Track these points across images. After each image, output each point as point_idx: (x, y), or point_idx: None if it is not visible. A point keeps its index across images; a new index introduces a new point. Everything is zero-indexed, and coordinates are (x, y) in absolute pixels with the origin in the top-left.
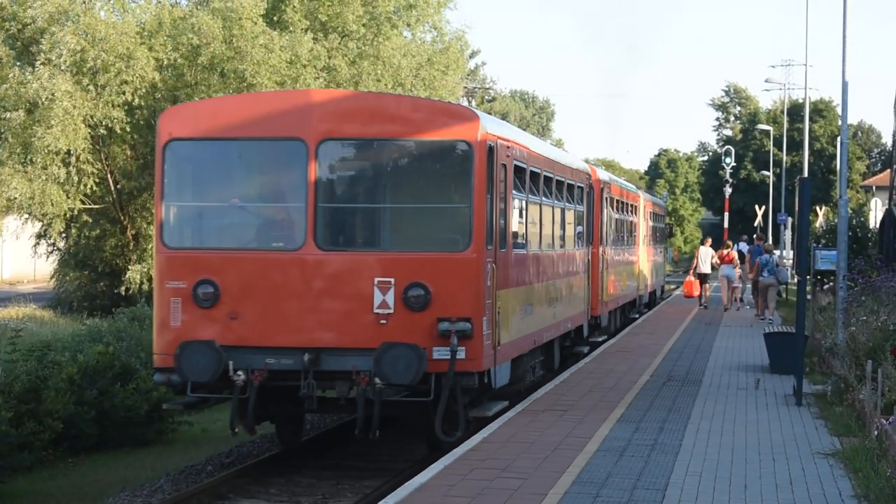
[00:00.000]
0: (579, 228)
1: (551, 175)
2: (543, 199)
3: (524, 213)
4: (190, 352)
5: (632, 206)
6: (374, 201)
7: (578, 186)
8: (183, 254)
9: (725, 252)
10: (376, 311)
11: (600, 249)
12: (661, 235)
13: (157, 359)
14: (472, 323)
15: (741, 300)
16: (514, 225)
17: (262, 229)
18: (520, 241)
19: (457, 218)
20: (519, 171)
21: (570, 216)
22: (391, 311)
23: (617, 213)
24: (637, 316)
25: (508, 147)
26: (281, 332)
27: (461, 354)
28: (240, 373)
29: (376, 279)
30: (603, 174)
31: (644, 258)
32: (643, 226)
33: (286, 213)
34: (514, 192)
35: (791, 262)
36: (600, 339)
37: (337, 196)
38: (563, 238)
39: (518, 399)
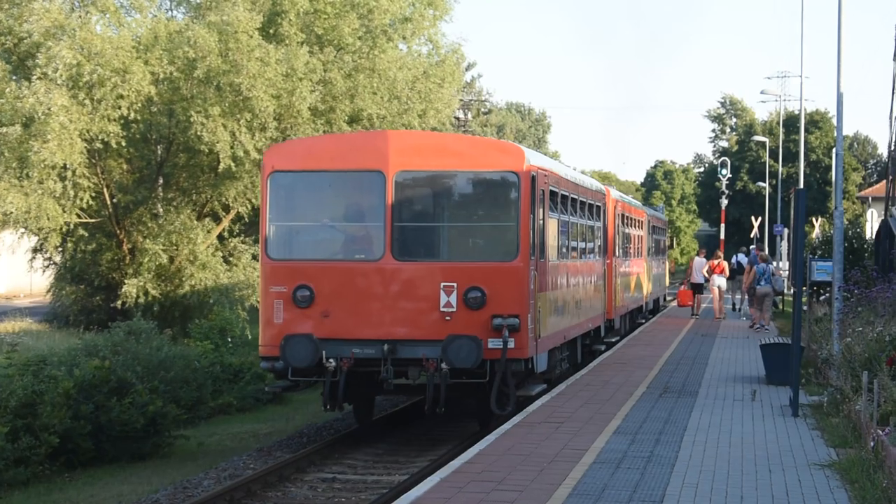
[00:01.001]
0: (597, 242)
1: (576, 197)
2: (571, 217)
3: (557, 229)
4: (292, 343)
5: (638, 221)
6: (440, 220)
7: (596, 206)
8: (284, 264)
9: (716, 262)
10: (442, 309)
11: (613, 260)
12: (664, 248)
13: (262, 349)
14: (519, 319)
15: (739, 310)
16: (550, 239)
17: (348, 244)
18: (554, 252)
19: (507, 234)
20: (553, 194)
21: (590, 231)
22: (454, 309)
23: (626, 228)
24: (643, 321)
25: (546, 175)
26: (364, 327)
27: (511, 344)
28: (331, 360)
29: (442, 284)
30: (615, 193)
31: (649, 269)
32: (648, 239)
33: (368, 231)
34: (549, 212)
35: (787, 272)
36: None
37: (409, 216)
38: (585, 250)
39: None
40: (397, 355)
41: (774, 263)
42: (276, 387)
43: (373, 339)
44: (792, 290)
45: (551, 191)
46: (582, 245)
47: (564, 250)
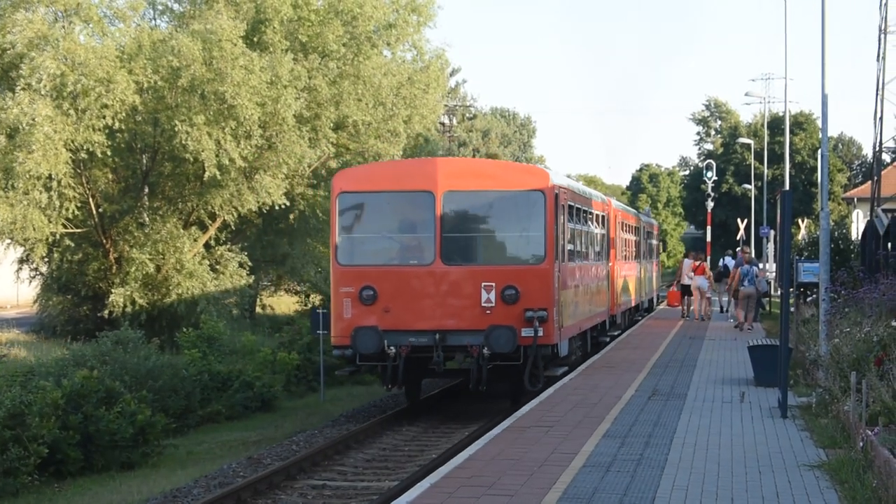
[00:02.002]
0: (602, 247)
1: (587, 209)
2: (583, 226)
3: (573, 236)
4: (361, 334)
5: (634, 227)
6: (480, 231)
7: (601, 215)
8: (351, 269)
9: (698, 263)
10: (483, 304)
11: (615, 263)
12: (656, 251)
13: (335, 340)
14: (547, 312)
15: (726, 311)
16: (569, 245)
17: (403, 251)
18: (571, 256)
19: (535, 241)
20: (570, 207)
21: (597, 238)
22: (493, 304)
23: (624, 234)
24: (640, 318)
25: (565, 192)
26: (419, 320)
27: (540, 333)
28: (392, 348)
29: (482, 283)
30: (616, 204)
31: (644, 270)
32: (643, 243)
33: (420, 241)
34: (568, 222)
35: (774, 274)
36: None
37: (454, 228)
38: (594, 254)
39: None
40: (446, 343)
41: (760, 265)
42: (344, 371)
43: (426, 329)
44: (779, 292)
45: (569, 205)
46: (591, 250)
47: (579, 254)
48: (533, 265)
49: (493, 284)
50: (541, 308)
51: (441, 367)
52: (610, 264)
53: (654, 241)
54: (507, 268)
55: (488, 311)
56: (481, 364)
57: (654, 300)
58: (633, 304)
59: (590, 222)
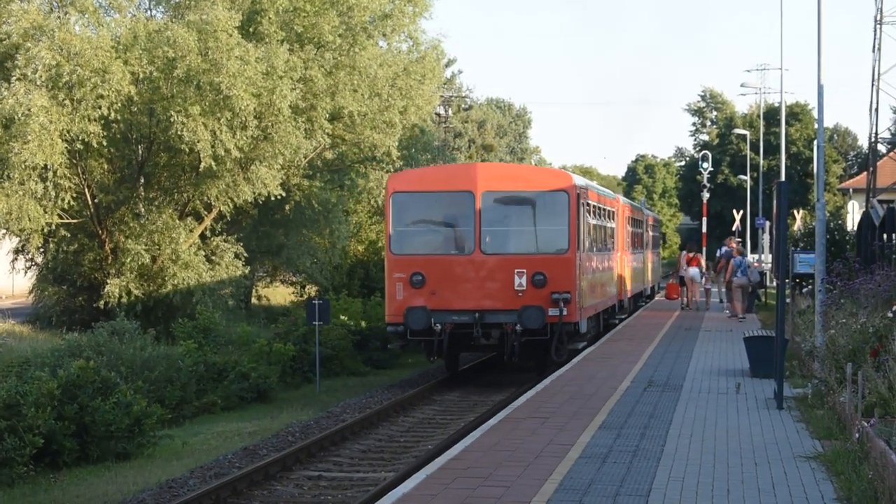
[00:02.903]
0: (613, 239)
1: (601, 206)
2: (597, 220)
3: (590, 229)
4: (412, 313)
5: (638, 221)
6: (513, 225)
7: (612, 211)
8: (402, 257)
9: (692, 255)
10: (516, 288)
11: (623, 253)
12: (658, 242)
13: (389, 318)
14: (570, 294)
15: (723, 303)
16: (587, 237)
17: (447, 242)
18: (589, 247)
19: (560, 234)
20: (588, 205)
21: (609, 231)
22: (524, 288)
23: (631, 227)
24: (643, 303)
25: (584, 192)
26: (461, 301)
27: (565, 312)
28: (438, 325)
29: (515, 270)
30: (624, 200)
31: (648, 260)
32: (646, 236)
33: (462, 233)
34: (586, 217)
35: (770, 265)
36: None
37: (491, 223)
38: (606, 246)
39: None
40: (484, 321)
41: (755, 256)
42: (397, 345)
43: (467, 309)
44: (775, 283)
45: (587, 203)
46: (605, 241)
47: (594, 245)
48: (558, 254)
49: (525, 271)
50: (565, 291)
51: (479, 342)
52: (619, 254)
53: (656, 234)
54: (536, 256)
55: (520, 294)
56: (514, 339)
57: (656, 287)
58: (638, 291)
59: (603, 217)
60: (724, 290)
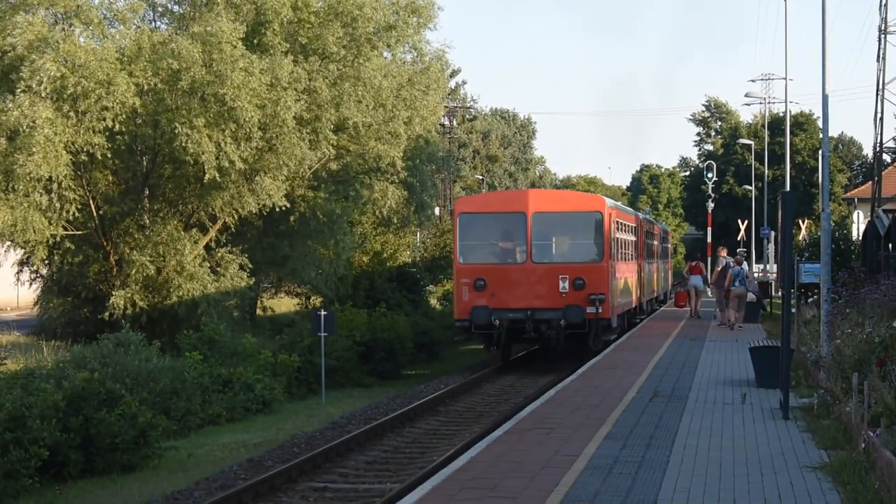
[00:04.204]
0: (635, 250)
1: (626, 223)
2: (623, 235)
3: (618, 243)
4: (476, 311)
5: (653, 233)
6: (558, 239)
7: (633, 226)
8: (468, 266)
9: (694, 264)
10: (560, 290)
11: (641, 262)
12: (668, 252)
13: (457, 315)
14: (604, 296)
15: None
16: (616, 249)
17: (504, 253)
18: (618, 257)
19: (596, 246)
20: (616, 222)
21: (631, 243)
22: (567, 290)
23: (647, 240)
24: (658, 307)
25: (613, 212)
26: (515, 301)
27: (600, 310)
28: (497, 320)
29: (559, 276)
30: (640, 215)
31: (661, 269)
32: (660, 247)
33: (516, 246)
34: (615, 232)
35: (775, 275)
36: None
37: (540, 237)
38: (629, 255)
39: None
40: (535, 318)
41: (760, 266)
42: (462, 337)
43: (520, 308)
44: (780, 293)
45: (616, 220)
46: (628, 252)
47: (621, 255)
48: (594, 263)
49: (567, 276)
50: (600, 293)
51: (530, 335)
52: (638, 263)
53: (668, 245)
54: (576, 265)
55: (564, 295)
56: (559, 333)
57: (668, 293)
58: (653, 296)
59: (626, 232)
60: (715, 298)
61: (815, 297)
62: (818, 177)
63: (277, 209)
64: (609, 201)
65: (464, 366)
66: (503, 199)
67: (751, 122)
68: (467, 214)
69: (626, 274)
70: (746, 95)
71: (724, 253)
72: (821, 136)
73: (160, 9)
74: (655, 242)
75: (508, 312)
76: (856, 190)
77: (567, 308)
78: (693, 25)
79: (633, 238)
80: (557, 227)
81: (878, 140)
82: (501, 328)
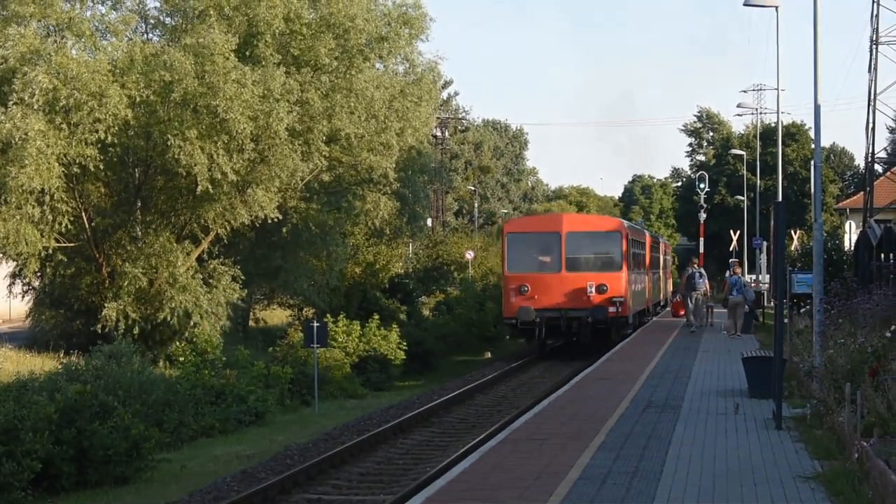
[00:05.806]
0: (644, 262)
1: (639, 239)
2: (637, 250)
3: (633, 255)
4: (522, 311)
5: (658, 247)
6: (586, 253)
7: (643, 242)
8: (514, 275)
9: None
10: (588, 294)
11: (649, 273)
12: (668, 263)
13: (506, 314)
14: (623, 298)
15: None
16: (631, 261)
17: (543, 265)
18: (633, 267)
19: (616, 259)
20: (631, 239)
21: (641, 256)
22: (593, 294)
23: (653, 253)
24: (659, 310)
25: (629, 231)
26: (552, 303)
27: (619, 310)
28: (538, 318)
29: (587, 282)
30: (650, 233)
31: (662, 278)
32: (661, 259)
33: (553, 259)
34: (632, 248)
35: (767, 285)
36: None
37: (572, 252)
38: (641, 267)
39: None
40: (567, 316)
41: (752, 276)
42: (511, 333)
43: (556, 308)
44: (773, 303)
45: (631, 237)
46: (640, 263)
47: (636, 266)
48: (615, 272)
49: (593, 283)
50: (620, 296)
51: (564, 330)
52: (647, 273)
53: (668, 257)
54: (600, 274)
55: (591, 298)
56: (587, 329)
57: (668, 300)
58: (657, 301)
59: (638, 247)
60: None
61: (808, 307)
62: (810, 187)
63: (270, 221)
64: (625, 223)
65: (457, 376)
66: (542, 221)
67: (743, 132)
68: (513, 234)
69: (638, 281)
70: (738, 106)
71: (697, 264)
72: (813, 146)
73: (152, 21)
74: (660, 255)
75: (546, 312)
76: (848, 200)
77: (593, 308)
78: (685, 36)
79: (643, 252)
80: (585, 244)
81: (870, 150)
82: (541, 324)
